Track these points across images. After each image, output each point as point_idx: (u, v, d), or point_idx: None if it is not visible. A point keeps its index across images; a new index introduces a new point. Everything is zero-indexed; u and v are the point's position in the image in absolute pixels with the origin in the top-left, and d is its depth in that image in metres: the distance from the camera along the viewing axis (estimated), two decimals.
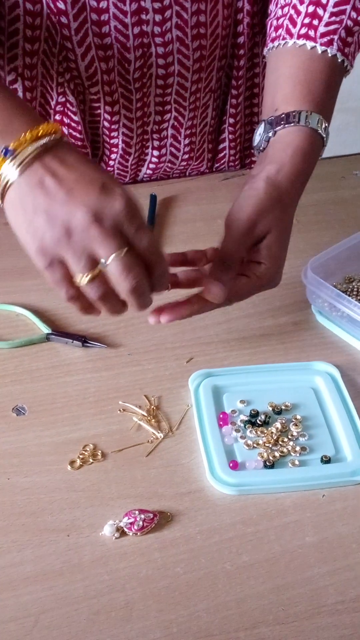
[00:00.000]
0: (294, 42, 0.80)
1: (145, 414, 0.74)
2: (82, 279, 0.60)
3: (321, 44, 0.79)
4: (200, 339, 0.83)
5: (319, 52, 0.79)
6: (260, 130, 0.76)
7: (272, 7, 0.87)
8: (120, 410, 0.75)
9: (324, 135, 0.75)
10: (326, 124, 0.76)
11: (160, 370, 0.79)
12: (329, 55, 0.79)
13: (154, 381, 0.78)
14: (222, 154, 1.09)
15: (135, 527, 0.64)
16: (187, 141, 1.03)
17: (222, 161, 1.09)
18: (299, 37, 0.80)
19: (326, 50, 0.78)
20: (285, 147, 0.73)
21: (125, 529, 0.64)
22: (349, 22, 0.80)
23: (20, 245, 0.94)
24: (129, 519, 0.64)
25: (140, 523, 0.64)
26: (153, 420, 0.74)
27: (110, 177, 0.61)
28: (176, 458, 0.70)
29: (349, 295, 0.85)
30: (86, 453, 0.70)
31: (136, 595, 0.60)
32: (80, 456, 0.70)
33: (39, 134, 0.60)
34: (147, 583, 0.61)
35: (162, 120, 0.99)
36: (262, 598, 0.60)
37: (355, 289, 0.87)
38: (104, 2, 0.84)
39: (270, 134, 0.75)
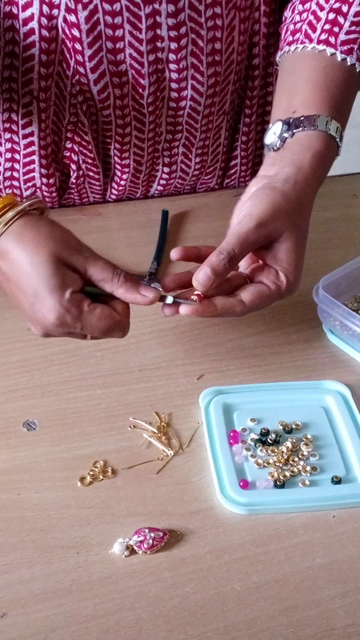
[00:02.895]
0: (314, 47, 0.79)
1: (156, 431, 0.74)
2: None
3: (341, 52, 0.78)
4: (211, 356, 0.83)
5: (339, 59, 0.78)
6: (275, 129, 0.75)
7: (287, 13, 0.87)
8: (130, 427, 0.75)
9: (340, 145, 0.75)
10: (342, 134, 0.75)
11: (171, 387, 0.79)
12: (348, 63, 0.78)
13: (164, 398, 0.78)
14: (234, 170, 1.09)
15: (145, 546, 0.64)
16: (198, 159, 1.03)
17: (232, 177, 1.10)
18: (319, 42, 0.79)
19: (346, 59, 0.78)
20: (305, 151, 0.72)
21: (135, 547, 0.64)
22: None
23: None
24: (138, 537, 0.64)
25: (150, 541, 0.64)
26: (163, 437, 0.74)
27: (43, 279, 0.64)
28: (186, 476, 0.70)
29: None
30: (96, 469, 0.70)
31: (145, 614, 0.60)
32: (91, 472, 0.70)
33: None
34: (156, 602, 0.61)
35: (173, 139, 0.99)
36: (271, 620, 0.60)
37: None
38: (120, 30, 0.84)
39: (287, 135, 0.74)
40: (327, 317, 0.84)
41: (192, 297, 0.67)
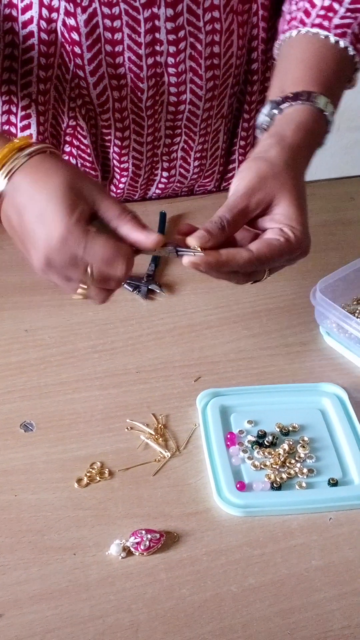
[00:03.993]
0: (307, 31, 0.79)
1: (153, 433, 0.74)
2: (76, 295, 0.66)
3: (335, 34, 0.78)
4: (208, 357, 0.83)
5: (332, 41, 0.78)
6: (265, 110, 0.75)
7: (285, 7, 0.87)
8: (127, 429, 0.75)
9: (330, 120, 0.74)
10: (333, 109, 0.74)
11: (168, 388, 0.79)
12: (341, 46, 0.78)
13: (161, 399, 0.78)
14: (232, 174, 1.09)
15: (142, 547, 0.64)
16: (196, 163, 1.03)
17: (231, 180, 1.10)
18: (312, 26, 0.79)
19: (339, 41, 0.78)
20: (290, 122, 0.71)
21: (132, 549, 0.64)
22: None
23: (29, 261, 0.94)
24: (135, 538, 0.64)
25: (147, 543, 0.64)
26: (160, 439, 0.74)
27: (52, 198, 0.61)
28: (183, 478, 0.70)
29: (357, 317, 0.85)
30: (93, 471, 0.70)
31: (142, 616, 0.60)
32: (88, 474, 0.70)
33: (20, 145, 0.64)
34: (153, 604, 0.61)
35: (172, 143, 0.99)
36: (268, 621, 0.60)
37: None
38: (119, 33, 0.85)
39: (275, 112, 0.73)
40: (324, 320, 0.85)
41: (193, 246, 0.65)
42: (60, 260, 0.62)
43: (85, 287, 0.64)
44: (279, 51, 0.84)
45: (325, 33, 0.78)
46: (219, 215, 0.65)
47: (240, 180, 0.67)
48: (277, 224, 0.67)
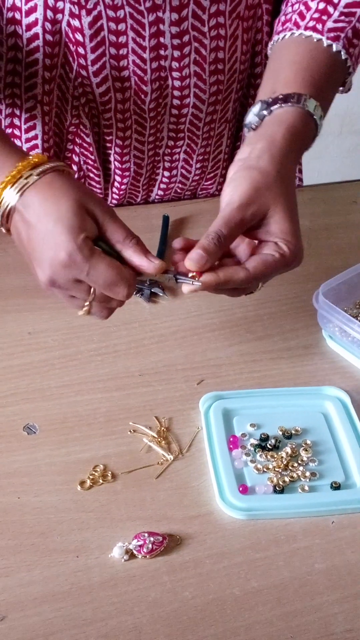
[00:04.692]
0: (300, 33, 0.79)
1: (156, 436, 0.74)
2: (80, 312, 0.69)
3: (327, 38, 0.78)
4: (211, 361, 0.83)
5: (324, 45, 0.78)
6: (255, 109, 0.74)
7: (282, 7, 0.87)
8: (130, 431, 0.75)
9: (319, 123, 0.74)
10: (322, 113, 0.74)
11: (171, 391, 0.79)
12: (334, 50, 0.78)
13: (164, 402, 0.78)
14: None
15: (145, 550, 0.64)
16: (198, 165, 1.03)
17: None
18: (306, 28, 0.79)
19: (331, 45, 0.78)
20: (279, 124, 0.71)
21: (135, 552, 0.64)
22: (358, 25, 0.80)
23: None
24: (138, 541, 0.64)
25: (150, 546, 0.64)
26: (163, 441, 0.74)
27: (62, 217, 0.63)
28: (186, 481, 0.71)
29: None
30: (96, 473, 0.70)
31: (144, 619, 0.60)
32: (90, 476, 0.70)
33: (34, 162, 0.65)
34: (155, 607, 0.61)
35: (174, 145, 1.00)
36: (270, 625, 0.60)
37: None
38: (123, 36, 0.85)
39: (265, 112, 0.73)
40: (327, 323, 0.85)
41: (190, 274, 0.67)
42: (64, 280, 0.65)
43: (88, 305, 0.67)
44: (271, 51, 0.84)
45: (319, 36, 0.78)
46: (214, 231, 0.66)
47: (234, 190, 0.68)
48: (272, 237, 0.68)
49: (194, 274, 0.66)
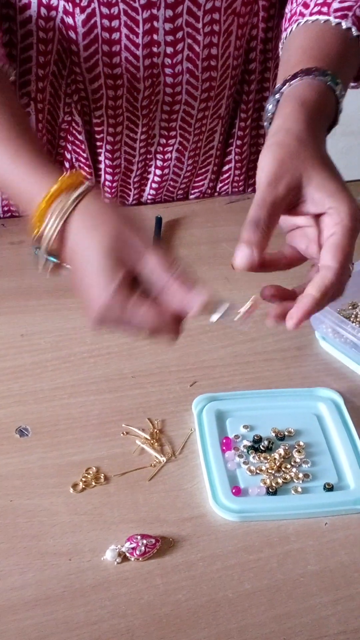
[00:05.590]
0: (307, 20, 0.76)
1: (149, 438, 0.74)
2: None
3: (335, 17, 0.75)
4: (204, 362, 0.83)
5: (333, 24, 0.75)
6: (269, 100, 0.69)
7: (287, 8, 0.84)
8: (123, 433, 0.75)
9: (335, 89, 0.67)
10: (339, 81, 0.68)
11: (164, 393, 0.79)
12: (343, 27, 0.75)
13: (157, 404, 0.78)
14: (227, 175, 1.09)
15: (138, 553, 0.64)
16: (190, 161, 1.03)
17: (226, 182, 1.10)
18: (311, 14, 0.76)
19: (340, 23, 0.75)
20: (290, 100, 0.65)
21: (127, 554, 0.64)
22: None
23: (24, 265, 0.95)
24: (131, 544, 0.64)
25: (143, 548, 0.64)
26: (156, 443, 0.74)
27: (92, 260, 0.59)
28: (179, 483, 0.70)
29: (353, 322, 0.86)
30: (89, 476, 0.70)
31: (137, 621, 0.60)
32: (83, 479, 0.70)
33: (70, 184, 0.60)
34: (148, 609, 0.61)
35: (166, 144, 1.00)
36: (263, 627, 0.60)
37: (359, 315, 0.87)
38: (116, 33, 0.85)
39: (277, 96, 0.68)
40: (320, 325, 0.85)
41: (248, 302, 0.60)
42: (110, 321, 0.60)
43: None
44: (281, 52, 0.81)
45: (325, 17, 0.75)
46: (252, 219, 0.59)
47: (261, 172, 0.61)
48: (320, 206, 0.61)
49: (252, 301, 0.60)
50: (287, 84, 0.67)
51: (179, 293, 0.58)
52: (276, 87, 0.70)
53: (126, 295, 0.58)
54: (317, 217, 0.62)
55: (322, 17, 0.75)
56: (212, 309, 0.60)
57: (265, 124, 0.71)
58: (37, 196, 0.60)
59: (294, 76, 0.67)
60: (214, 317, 0.60)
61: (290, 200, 0.61)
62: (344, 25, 0.74)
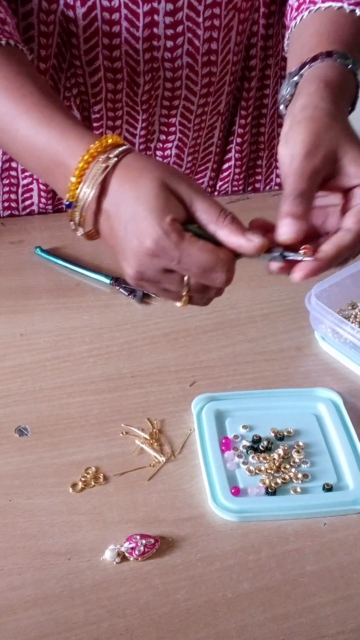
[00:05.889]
0: (319, 7, 0.75)
1: (148, 438, 0.74)
2: (178, 304, 0.62)
3: (349, 4, 0.74)
4: (203, 362, 0.83)
5: (347, 10, 0.74)
6: (285, 83, 0.68)
7: (291, 0, 0.83)
8: (122, 433, 0.75)
9: (358, 73, 0.67)
10: (356, 63, 0.67)
11: (163, 393, 0.79)
12: (357, 14, 0.74)
13: (156, 404, 0.78)
14: (227, 172, 1.09)
15: (137, 553, 0.64)
16: (189, 158, 1.03)
17: (226, 179, 1.10)
18: (324, 1, 0.75)
19: (354, 10, 0.74)
20: (313, 80, 0.64)
21: (126, 554, 0.64)
22: None
23: (25, 265, 0.95)
24: (130, 543, 0.64)
25: (142, 548, 0.64)
26: (155, 443, 0.74)
27: (144, 200, 0.56)
28: (178, 483, 0.70)
29: (352, 322, 0.86)
30: (88, 476, 0.70)
31: (136, 621, 0.60)
32: (82, 479, 0.70)
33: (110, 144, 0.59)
34: (147, 609, 0.61)
35: (166, 139, 0.99)
36: (262, 627, 0.60)
37: (358, 316, 0.87)
38: (117, 26, 0.85)
39: (296, 79, 0.67)
40: (320, 325, 0.85)
41: (300, 251, 0.58)
42: (154, 272, 0.58)
43: (185, 296, 0.60)
44: (289, 40, 0.79)
45: (339, 4, 0.75)
46: (292, 191, 0.58)
47: (294, 144, 0.60)
48: (354, 179, 0.60)
49: (305, 250, 0.58)
50: (307, 66, 0.66)
51: (235, 232, 0.57)
52: (292, 70, 0.69)
53: (179, 233, 0.56)
54: (346, 191, 0.61)
55: (336, 4, 0.75)
56: (266, 251, 0.58)
57: (280, 107, 0.70)
58: (76, 154, 0.59)
59: (314, 58, 0.67)
60: (267, 257, 0.59)
61: (327, 173, 0.60)
62: (358, 12, 0.75)
